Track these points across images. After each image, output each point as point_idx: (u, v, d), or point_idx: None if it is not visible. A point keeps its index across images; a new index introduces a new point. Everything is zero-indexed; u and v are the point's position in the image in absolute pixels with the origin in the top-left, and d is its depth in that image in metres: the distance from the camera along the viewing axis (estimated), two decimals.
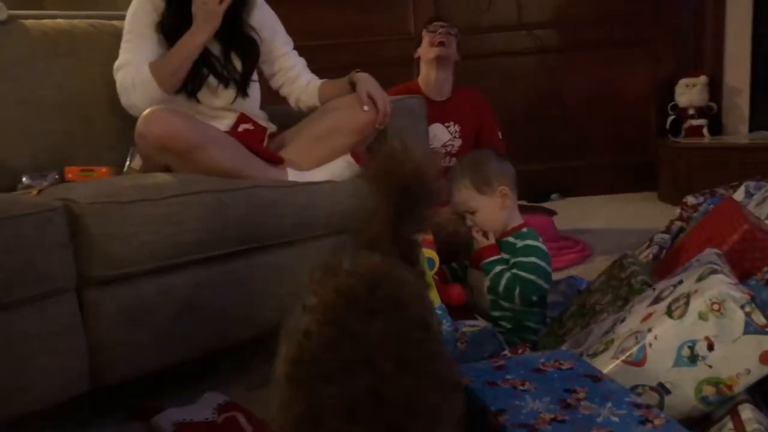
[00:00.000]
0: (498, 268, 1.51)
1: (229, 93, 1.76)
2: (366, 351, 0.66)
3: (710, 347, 0.93)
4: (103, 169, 1.55)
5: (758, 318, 0.92)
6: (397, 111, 1.79)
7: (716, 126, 3.48)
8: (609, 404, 0.79)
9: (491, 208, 1.55)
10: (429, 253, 1.50)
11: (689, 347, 0.94)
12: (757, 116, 3.39)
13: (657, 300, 1.08)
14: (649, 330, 0.98)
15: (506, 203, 1.55)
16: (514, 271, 1.49)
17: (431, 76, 2.59)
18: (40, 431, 1.29)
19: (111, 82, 1.71)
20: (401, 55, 3.49)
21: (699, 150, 3.25)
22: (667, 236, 1.94)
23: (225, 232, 1.41)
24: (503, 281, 1.49)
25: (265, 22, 1.84)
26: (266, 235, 1.49)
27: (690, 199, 2.07)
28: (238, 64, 1.77)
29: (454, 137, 2.60)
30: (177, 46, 1.66)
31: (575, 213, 3.15)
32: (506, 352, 1.36)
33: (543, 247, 1.52)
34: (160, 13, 1.71)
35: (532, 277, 1.48)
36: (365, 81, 1.74)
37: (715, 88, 3.46)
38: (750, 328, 0.92)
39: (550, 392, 0.82)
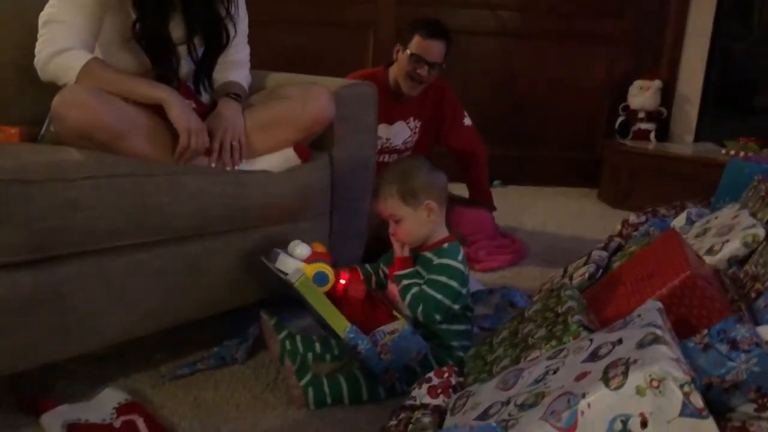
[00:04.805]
0: (406, 282, 1.46)
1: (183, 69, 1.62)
2: None
3: (644, 424, 0.89)
4: (13, 130, 1.37)
5: (696, 401, 0.88)
6: (347, 99, 1.67)
7: (664, 132, 3.49)
8: None
9: (414, 221, 1.47)
10: (320, 267, 1.39)
11: (622, 421, 0.89)
12: (703, 127, 3.42)
13: (594, 356, 1.03)
14: (583, 395, 0.93)
15: (431, 217, 1.47)
16: (423, 287, 1.44)
17: (403, 87, 2.35)
18: None
19: (26, 25, 1.51)
20: (358, 20, 3.33)
21: (643, 155, 3.24)
22: (605, 254, 1.91)
23: (142, 221, 1.28)
24: (408, 296, 1.45)
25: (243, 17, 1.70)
26: (187, 226, 1.37)
27: (632, 218, 2.06)
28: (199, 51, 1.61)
29: (414, 133, 2.49)
30: (128, 82, 1.42)
31: (514, 203, 3.12)
32: (432, 374, 1.30)
33: (459, 265, 1.46)
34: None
35: (437, 295, 1.43)
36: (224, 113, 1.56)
37: (667, 93, 3.46)
38: (687, 411, 0.88)
39: None
